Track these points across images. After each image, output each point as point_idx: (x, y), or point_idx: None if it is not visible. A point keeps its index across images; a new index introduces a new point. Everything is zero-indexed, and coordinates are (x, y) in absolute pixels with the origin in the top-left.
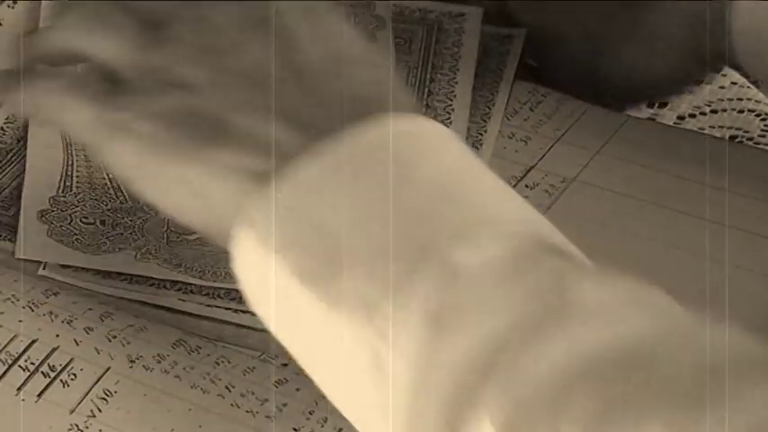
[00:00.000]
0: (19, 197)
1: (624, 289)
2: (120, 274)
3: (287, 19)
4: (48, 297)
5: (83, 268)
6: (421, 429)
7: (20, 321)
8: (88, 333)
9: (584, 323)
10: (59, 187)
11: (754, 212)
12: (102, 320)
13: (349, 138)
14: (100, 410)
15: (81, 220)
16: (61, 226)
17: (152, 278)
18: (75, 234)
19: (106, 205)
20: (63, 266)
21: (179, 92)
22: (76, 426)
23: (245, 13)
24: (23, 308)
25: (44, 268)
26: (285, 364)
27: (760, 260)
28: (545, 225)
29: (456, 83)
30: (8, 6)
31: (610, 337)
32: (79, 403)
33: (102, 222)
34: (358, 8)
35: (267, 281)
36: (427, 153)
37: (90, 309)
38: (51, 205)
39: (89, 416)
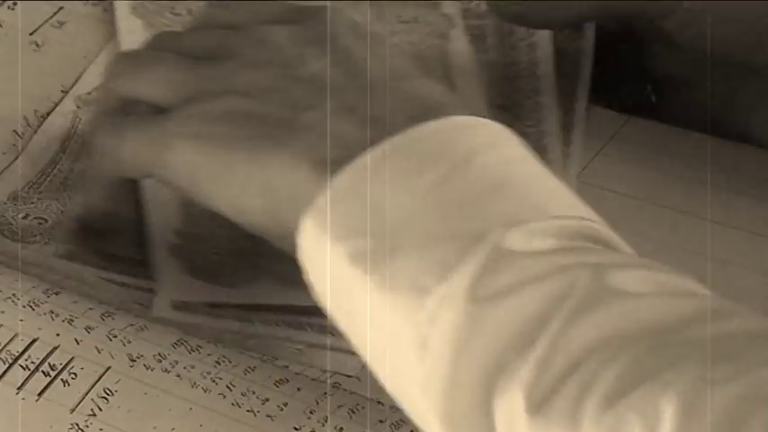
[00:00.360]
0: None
1: (659, 281)
2: (261, 305)
3: (343, 40)
4: (48, 296)
5: (212, 305)
6: (458, 401)
7: (20, 320)
8: (89, 332)
9: (617, 308)
10: (183, 219)
11: (755, 212)
12: (103, 320)
13: (409, 130)
14: (100, 409)
15: (212, 253)
16: (194, 260)
17: (294, 306)
18: (210, 267)
19: (237, 233)
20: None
21: (239, 96)
22: (77, 425)
23: (301, 33)
24: (24, 307)
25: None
26: (286, 366)
27: (761, 260)
28: (594, 220)
29: (539, 77)
30: (8, 8)
31: (639, 321)
32: (80, 402)
33: (235, 252)
34: (424, 9)
35: (327, 266)
36: (483, 145)
37: (90, 308)
38: (179, 239)
39: (89, 414)
